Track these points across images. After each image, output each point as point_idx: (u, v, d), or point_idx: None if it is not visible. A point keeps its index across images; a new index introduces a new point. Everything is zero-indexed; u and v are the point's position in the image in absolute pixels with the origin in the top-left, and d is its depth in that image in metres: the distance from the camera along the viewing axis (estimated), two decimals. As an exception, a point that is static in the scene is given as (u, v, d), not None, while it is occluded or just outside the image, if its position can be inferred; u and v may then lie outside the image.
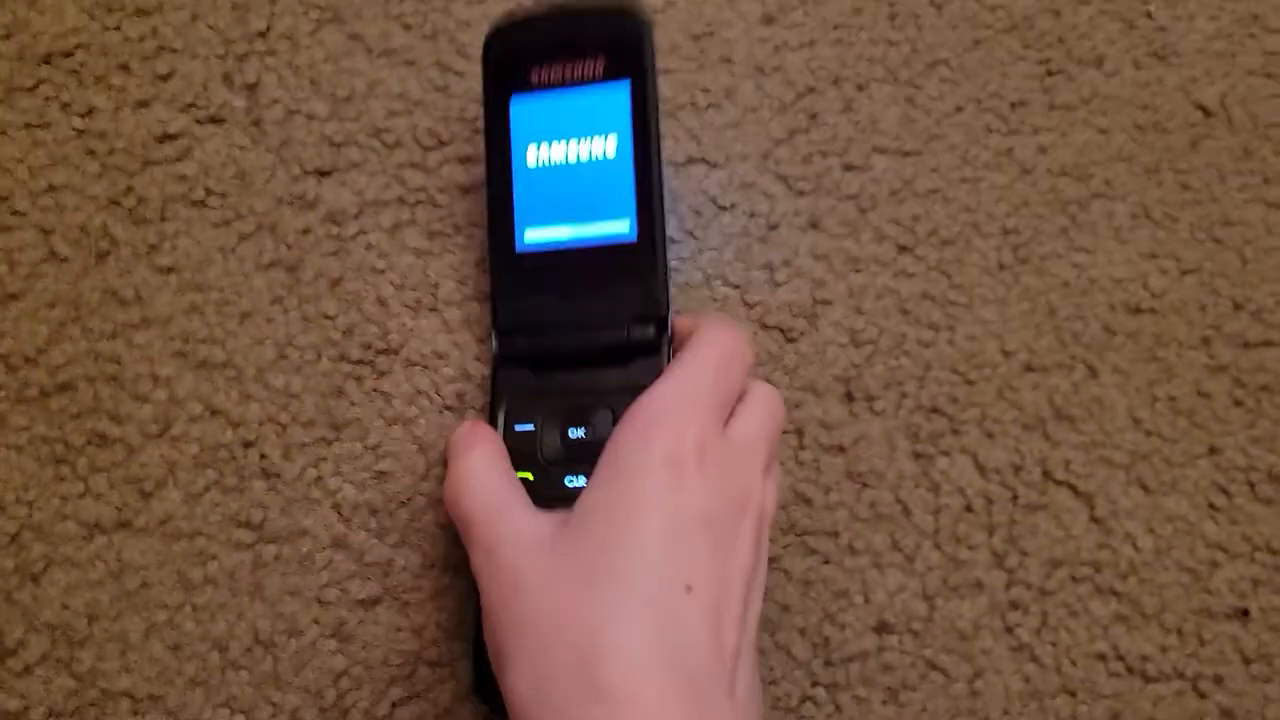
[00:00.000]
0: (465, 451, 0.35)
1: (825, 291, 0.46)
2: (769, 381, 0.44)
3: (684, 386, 0.32)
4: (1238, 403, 0.48)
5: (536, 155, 0.38)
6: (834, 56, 0.51)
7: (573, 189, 0.37)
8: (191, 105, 0.43)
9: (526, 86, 0.37)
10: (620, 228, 0.37)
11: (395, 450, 0.39)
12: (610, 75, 0.37)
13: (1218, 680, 0.42)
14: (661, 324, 0.36)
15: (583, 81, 0.37)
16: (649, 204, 0.37)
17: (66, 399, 0.38)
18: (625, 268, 0.36)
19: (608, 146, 0.37)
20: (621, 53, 0.37)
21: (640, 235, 0.37)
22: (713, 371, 0.33)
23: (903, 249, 0.48)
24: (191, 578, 0.36)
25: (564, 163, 0.37)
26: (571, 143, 0.37)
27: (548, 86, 0.37)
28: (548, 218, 0.37)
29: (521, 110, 0.37)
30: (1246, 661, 0.42)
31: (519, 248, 0.37)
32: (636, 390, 0.34)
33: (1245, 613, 0.44)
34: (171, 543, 0.36)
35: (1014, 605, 0.42)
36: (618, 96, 0.37)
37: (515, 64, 0.37)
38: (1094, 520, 0.44)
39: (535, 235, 0.37)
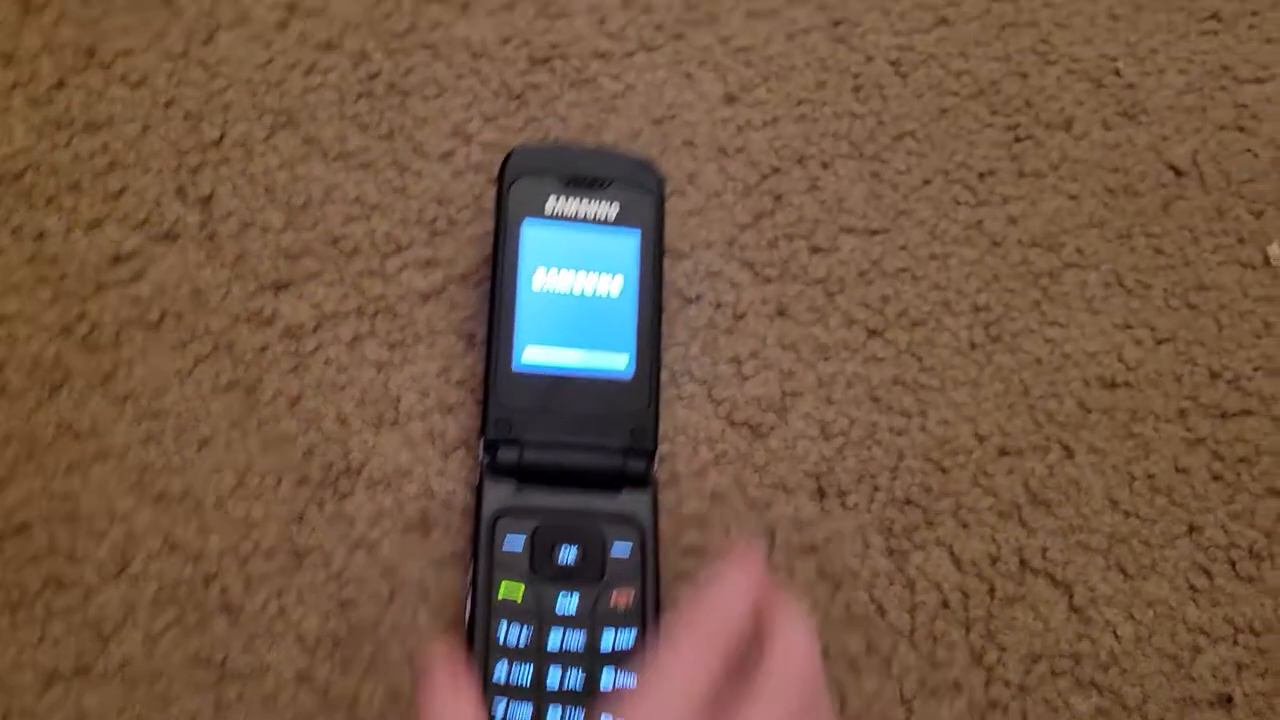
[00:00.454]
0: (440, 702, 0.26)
1: (794, 383, 0.45)
2: (739, 481, 0.42)
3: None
4: (1216, 477, 0.46)
5: (543, 280, 0.39)
6: (798, 134, 0.49)
7: (575, 318, 0.39)
8: (145, 222, 0.42)
9: (541, 213, 0.39)
10: (619, 362, 0.39)
11: (359, 576, 0.38)
12: (623, 220, 0.40)
13: (1203, 773, 0.40)
14: (651, 457, 0.37)
15: (596, 221, 0.39)
16: (648, 343, 0.39)
17: (22, 542, 0.36)
18: (621, 400, 0.38)
19: (613, 285, 0.39)
20: (637, 202, 0.40)
21: (638, 372, 0.38)
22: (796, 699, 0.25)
23: (872, 333, 0.46)
24: (152, 723, 0.35)
25: (569, 292, 0.39)
26: (579, 274, 0.39)
27: (562, 218, 0.39)
28: (548, 340, 0.39)
29: (533, 235, 0.39)
30: (1232, 752, 0.41)
31: (516, 365, 0.38)
32: (627, 520, 0.37)
33: (1229, 699, 0.42)
34: (132, 688, 0.35)
35: (993, 705, 0.40)
36: (628, 241, 0.40)
37: (533, 190, 0.39)
38: (1073, 609, 0.43)
39: (534, 355, 0.39)
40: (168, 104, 0.43)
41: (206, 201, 0.42)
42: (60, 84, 0.43)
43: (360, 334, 0.41)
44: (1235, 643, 0.42)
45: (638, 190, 0.41)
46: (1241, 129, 0.52)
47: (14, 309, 0.38)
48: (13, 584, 0.35)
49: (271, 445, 0.38)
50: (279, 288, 0.41)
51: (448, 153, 0.45)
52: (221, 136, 0.43)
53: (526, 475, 0.38)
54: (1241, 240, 0.50)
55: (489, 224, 0.43)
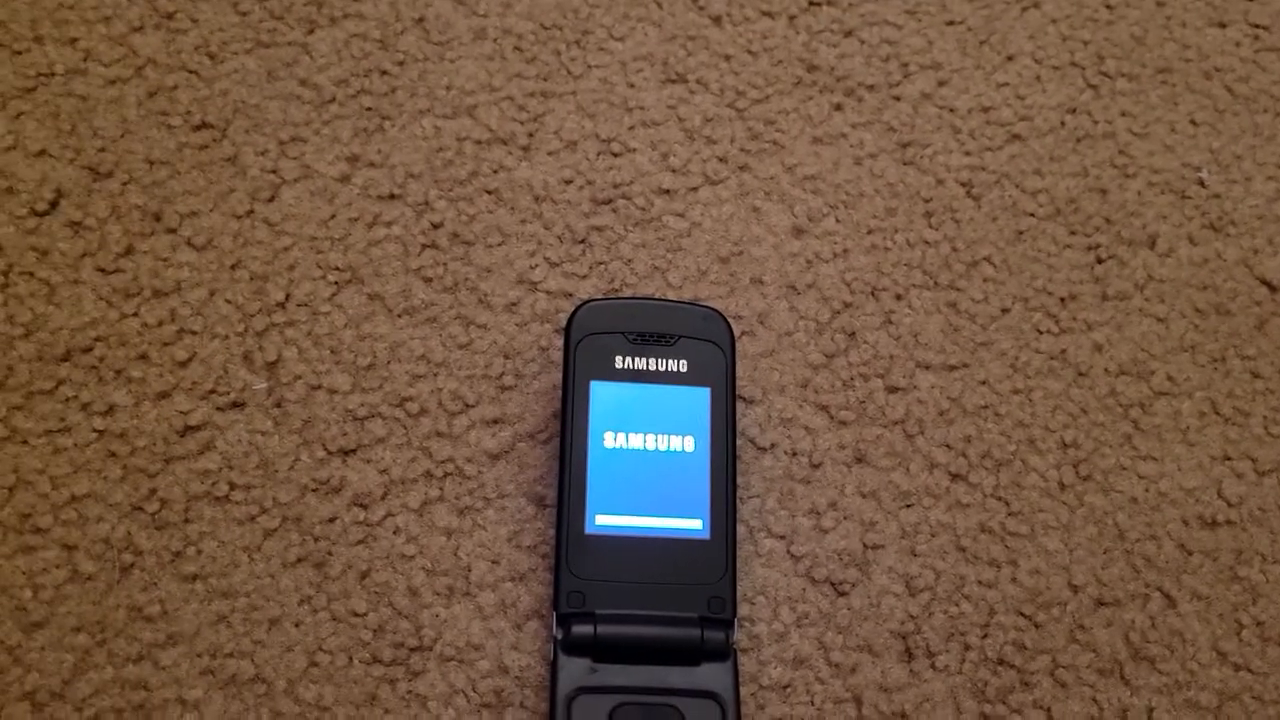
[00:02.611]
0: None
1: (876, 534, 0.43)
2: (822, 644, 0.41)
3: None
4: (1332, 622, 0.44)
5: (614, 441, 0.39)
6: (869, 265, 0.48)
7: (647, 478, 0.38)
8: (212, 392, 0.42)
9: (610, 373, 0.39)
10: (693, 524, 0.38)
11: (433, 761, 0.37)
12: (693, 376, 0.39)
13: None
14: (730, 626, 0.36)
15: (666, 379, 0.39)
16: (723, 504, 0.38)
17: (92, 735, 0.36)
18: (697, 565, 0.37)
19: (685, 443, 0.39)
20: (706, 356, 0.39)
21: (713, 534, 0.38)
22: None
23: (955, 476, 0.45)
24: None
25: (640, 451, 0.39)
26: (649, 435, 0.39)
27: (631, 378, 0.39)
28: (620, 503, 0.38)
29: (602, 395, 0.39)
30: None
31: (589, 529, 0.37)
32: (707, 694, 0.36)
33: None
34: None
35: None
36: (699, 398, 0.39)
37: (601, 348, 0.39)
38: (1184, 775, 0.40)
39: (606, 520, 0.38)
40: (234, 266, 0.43)
41: (273, 366, 0.42)
42: (128, 251, 0.43)
43: (429, 499, 0.40)
44: (1362, 808, 0.39)
45: (707, 343, 0.41)
46: (1337, 237, 0.50)
47: (84, 489, 0.38)
48: (85, 781, 0.34)
49: (342, 622, 0.38)
50: (346, 454, 0.41)
51: (513, 303, 0.44)
52: (287, 297, 0.43)
53: (602, 651, 0.37)
54: (1344, 359, 0.48)
55: (556, 377, 0.43)
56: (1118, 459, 0.45)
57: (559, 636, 0.37)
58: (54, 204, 0.44)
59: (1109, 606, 0.42)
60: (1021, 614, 0.41)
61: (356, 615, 0.38)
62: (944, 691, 0.40)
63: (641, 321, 0.41)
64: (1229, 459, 0.45)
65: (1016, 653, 0.41)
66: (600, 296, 0.44)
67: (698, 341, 0.41)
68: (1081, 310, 0.48)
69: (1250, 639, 0.42)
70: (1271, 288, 0.49)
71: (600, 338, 0.40)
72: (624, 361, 0.40)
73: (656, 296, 0.45)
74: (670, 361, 0.40)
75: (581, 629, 0.37)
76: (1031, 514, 0.43)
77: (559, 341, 0.43)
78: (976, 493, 0.43)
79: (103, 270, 0.43)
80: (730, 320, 0.42)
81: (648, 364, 0.40)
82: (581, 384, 0.40)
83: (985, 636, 0.41)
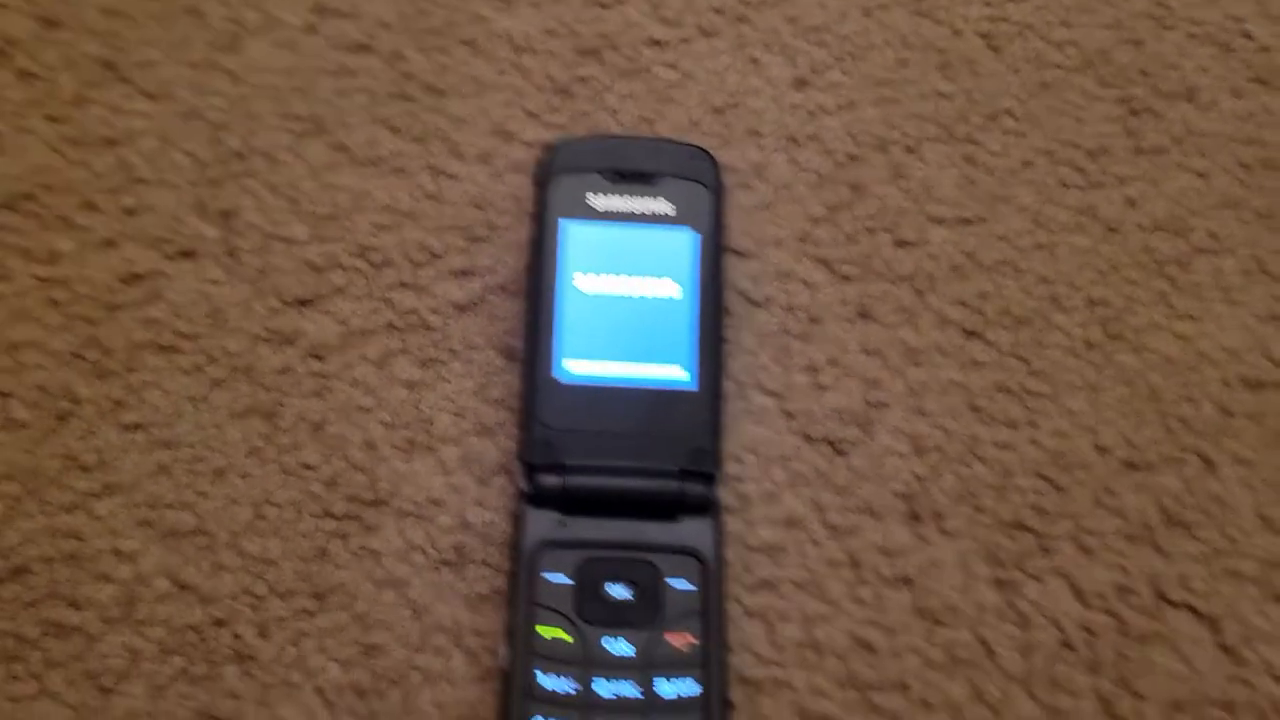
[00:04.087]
0: None
1: (880, 392, 0.40)
2: (818, 504, 0.38)
3: None
4: (1394, 489, 0.40)
5: (588, 285, 0.36)
6: (878, 117, 0.45)
7: (625, 326, 0.36)
8: (162, 240, 0.40)
9: (585, 212, 0.36)
10: (677, 373, 0.35)
11: (386, 619, 0.35)
12: (677, 217, 0.36)
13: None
14: (714, 481, 0.34)
15: (647, 220, 0.36)
16: (710, 352, 0.35)
17: (20, 585, 0.34)
18: (679, 416, 0.34)
19: (669, 288, 0.36)
20: (692, 196, 0.36)
21: (698, 384, 0.35)
22: None
23: (970, 334, 0.41)
24: (156, 786, 0.32)
25: (618, 296, 0.36)
26: (628, 278, 0.36)
27: (608, 218, 0.36)
28: (594, 351, 0.36)
29: (576, 235, 0.36)
30: None
31: (559, 378, 0.35)
32: (686, 551, 0.33)
33: None
34: (134, 746, 0.32)
35: (1130, 763, 0.34)
36: (683, 240, 0.36)
37: (576, 187, 0.36)
38: (1222, 649, 0.37)
39: (578, 367, 0.35)
40: (189, 116, 0.41)
41: (228, 216, 0.39)
42: (79, 100, 0.41)
43: (390, 351, 0.38)
44: None
45: (693, 183, 0.38)
46: (1400, 90, 0.46)
47: (22, 336, 0.36)
48: (8, 632, 0.32)
49: (292, 475, 0.35)
50: (303, 304, 0.38)
51: (486, 153, 0.42)
52: (245, 147, 0.41)
53: (572, 504, 0.34)
54: None
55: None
56: (1151, 317, 0.41)
57: (525, 488, 0.34)
58: (3, 52, 0.42)
59: (1140, 470, 0.38)
60: (1042, 476, 0.38)
61: (308, 468, 0.36)
62: (953, 555, 0.36)
63: (620, 159, 0.38)
64: (1276, 318, 0.41)
65: (1035, 516, 0.37)
66: (577, 135, 0.41)
67: (683, 181, 0.38)
68: (1112, 164, 0.44)
69: (1300, 506, 0.38)
70: (1326, 141, 0.45)
71: (575, 176, 0.37)
72: (601, 201, 0.37)
73: (637, 134, 0.42)
74: (652, 201, 0.38)
75: (549, 480, 0.34)
76: (1054, 373, 0.40)
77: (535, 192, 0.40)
78: (993, 351, 0.40)
79: (52, 119, 0.41)
80: (720, 164, 0.39)
81: (627, 204, 0.37)
82: (552, 223, 0.37)
83: (1000, 499, 0.37)
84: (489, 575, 0.35)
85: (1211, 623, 0.36)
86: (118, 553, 0.34)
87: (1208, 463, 0.39)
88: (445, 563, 0.35)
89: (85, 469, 0.36)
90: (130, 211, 0.40)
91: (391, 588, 0.35)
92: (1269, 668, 0.36)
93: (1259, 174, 0.44)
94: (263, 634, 0.34)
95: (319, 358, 0.38)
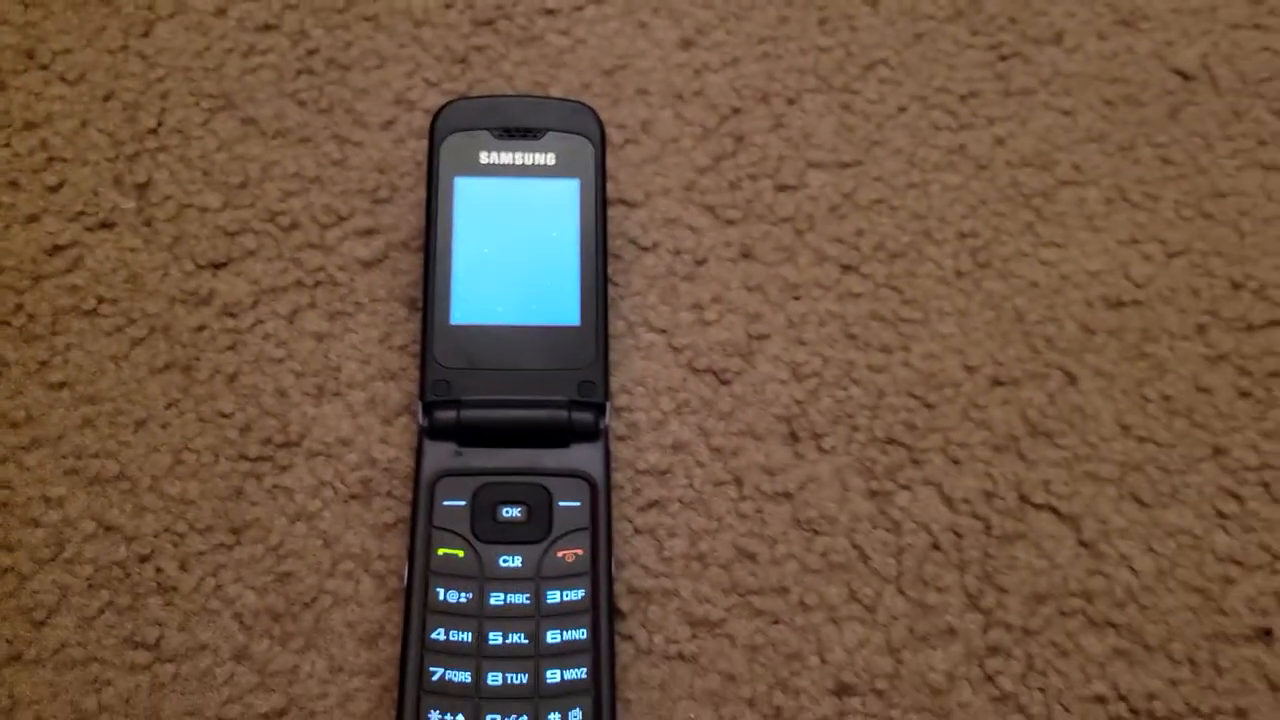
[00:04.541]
0: None
1: (761, 325, 0.43)
2: (703, 430, 0.40)
3: None
4: (1244, 394, 0.42)
5: (480, 235, 0.39)
6: (760, 72, 0.48)
7: (515, 271, 0.38)
8: (82, 213, 0.42)
9: (475, 169, 0.39)
10: (562, 313, 0.38)
11: (298, 548, 0.37)
12: (561, 168, 0.39)
13: (1240, 715, 0.36)
14: (601, 410, 0.36)
15: (533, 172, 0.39)
16: (594, 291, 0.37)
17: (-45, 532, 0.37)
18: (567, 352, 0.37)
19: (554, 235, 0.39)
20: (575, 149, 0.39)
21: (583, 321, 0.37)
22: None
23: (846, 268, 0.44)
24: (85, 707, 0.34)
25: (508, 244, 0.38)
26: (516, 227, 0.38)
27: (497, 172, 0.38)
28: (486, 296, 0.38)
29: (468, 190, 0.38)
30: (1274, 688, 0.37)
31: (454, 320, 0.37)
32: (575, 474, 0.35)
33: (1268, 633, 0.38)
34: (65, 672, 0.35)
35: (993, 650, 0.37)
36: (567, 189, 0.39)
37: (466, 145, 0.39)
38: (1082, 544, 0.39)
39: (472, 311, 0.38)
40: (106, 98, 0.44)
41: (143, 188, 0.42)
42: (1, 87, 0.43)
43: (300, 306, 0.40)
44: (1274, 571, 0.38)
45: (576, 136, 0.40)
46: (1258, 26, 0.49)
47: (-49, 306, 0.39)
48: (-54, 575, 0.34)
49: (209, 423, 0.38)
50: (217, 267, 0.41)
51: (389, 121, 0.44)
52: (159, 124, 0.43)
53: (467, 436, 0.37)
54: (1263, 142, 0.46)
55: (432, 187, 0.42)
56: (1018, 246, 0.44)
57: (424, 424, 0.37)
58: (-73, 46, 0.44)
59: (1006, 386, 0.41)
60: (913, 395, 0.40)
61: (224, 415, 0.38)
62: (830, 471, 0.39)
63: (507, 116, 0.40)
64: (1137, 242, 0.44)
65: (906, 432, 0.40)
66: (466, 96, 0.44)
67: (566, 134, 0.40)
68: (983, 106, 0.47)
69: (1156, 412, 0.41)
70: (1186, 76, 0.48)
71: (466, 134, 0.40)
72: (490, 156, 0.40)
73: (525, 92, 0.44)
74: (538, 155, 0.40)
75: (445, 414, 0.37)
76: (926, 301, 0.42)
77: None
78: (868, 283, 0.43)
79: (-25, 106, 0.43)
80: (605, 124, 0.41)
81: (514, 158, 0.40)
82: (446, 180, 0.40)
83: (874, 418, 0.40)
84: (394, 506, 0.38)
85: (1072, 521, 0.39)
86: (46, 499, 0.37)
87: (1070, 377, 0.41)
88: (353, 496, 0.38)
89: (14, 425, 0.38)
90: (52, 188, 0.42)
91: (303, 520, 0.37)
92: (1126, 560, 0.38)
93: (1122, 109, 0.47)
94: (183, 567, 0.36)
95: (232, 315, 0.40)
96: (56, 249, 0.41)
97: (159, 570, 0.36)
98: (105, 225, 0.41)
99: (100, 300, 0.40)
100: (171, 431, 0.38)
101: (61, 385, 0.39)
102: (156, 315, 0.40)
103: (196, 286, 0.41)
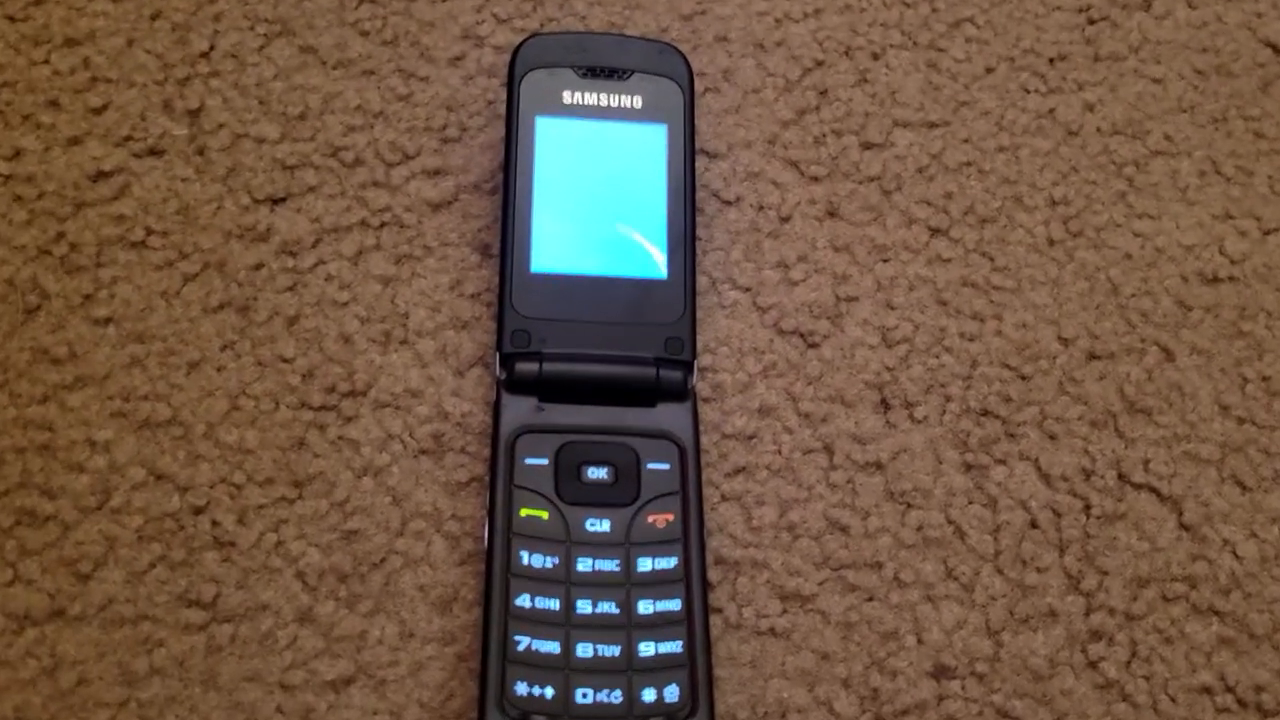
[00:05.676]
0: None
1: (849, 287, 0.40)
2: (790, 394, 0.38)
3: None
4: (1343, 377, 0.40)
5: (562, 178, 0.36)
6: (843, 24, 0.45)
7: (599, 218, 0.36)
8: (128, 138, 0.39)
9: (557, 108, 0.36)
10: (650, 265, 0.35)
11: (365, 505, 0.34)
12: (649, 112, 0.36)
13: (1349, 709, 0.35)
14: (690, 368, 0.34)
15: (620, 115, 0.36)
16: (683, 243, 0.35)
17: (-8, 475, 0.33)
18: (654, 306, 0.35)
19: (641, 181, 0.36)
20: (663, 92, 0.36)
21: (671, 274, 0.35)
22: None
23: (935, 232, 0.42)
24: (135, 669, 0.31)
25: (592, 189, 0.36)
26: (600, 172, 0.36)
27: (581, 113, 0.36)
28: (569, 243, 0.35)
29: (549, 131, 0.36)
30: (1382, 684, 0.35)
31: (534, 268, 0.35)
32: (662, 435, 0.33)
33: (1375, 625, 0.37)
34: (112, 630, 0.32)
35: (1096, 635, 0.35)
36: (655, 136, 0.36)
37: (548, 83, 0.36)
38: (1183, 527, 0.37)
39: (553, 259, 0.35)
40: (154, 17, 0.40)
41: (195, 115, 0.38)
42: (39, 0, 0.40)
43: (364, 248, 0.37)
44: (1378, 561, 0.36)
45: (664, 79, 0.38)
46: (1346, 3, 0.47)
47: (-13, 231, 0.35)
48: (-18, 521, 0.31)
49: (268, 367, 0.35)
50: (275, 202, 0.37)
51: (457, 57, 0.41)
52: (211, 48, 0.40)
53: (549, 391, 0.34)
54: (1354, 120, 0.44)
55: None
56: (1111, 216, 0.41)
57: (502, 377, 0.34)
58: (-41, -47, 0.40)
59: (1101, 360, 0.39)
60: (1007, 366, 0.38)
61: (284, 360, 0.35)
62: (923, 442, 0.37)
63: (593, 55, 0.38)
64: (1231, 217, 0.42)
65: (1001, 404, 0.38)
66: (549, 32, 0.41)
67: (653, 77, 0.38)
68: (1072, 70, 0.44)
69: (1255, 393, 0.39)
70: (1276, 49, 0.46)
71: (548, 72, 0.37)
72: (573, 96, 0.37)
73: (608, 30, 0.42)
74: (624, 97, 0.37)
75: (526, 366, 0.34)
76: (1018, 269, 0.40)
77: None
78: (959, 248, 0.40)
79: (11, 18, 0.40)
80: (689, 60, 0.38)
81: (599, 99, 0.37)
82: (526, 119, 0.37)
83: (968, 388, 0.38)
84: (467, 463, 0.35)
85: (1172, 503, 0.37)
86: (91, 443, 0.34)
87: (1167, 353, 0.39)
88: (424, 451, 0.35)
89: (56, 361, 0.35)
90: (95, 110, 0.39)
91: (370, 475, 0.34)
92: (1229, 545, 0.36)
93: (1213, 80, 0.45)
94: (242, 521, 0.33)
95: (292, 254, 0.37)
96: (101, 175, 0.38)
97: (215, 524, 0.33)
98: (154, 152, 0.38)
99: (149, 232, 0.37)
100: (227, 375, 0.35)
101: (107, 321, 0.36)
102: (210, 250, 0.37)
103: (254, 222, 0.37)
